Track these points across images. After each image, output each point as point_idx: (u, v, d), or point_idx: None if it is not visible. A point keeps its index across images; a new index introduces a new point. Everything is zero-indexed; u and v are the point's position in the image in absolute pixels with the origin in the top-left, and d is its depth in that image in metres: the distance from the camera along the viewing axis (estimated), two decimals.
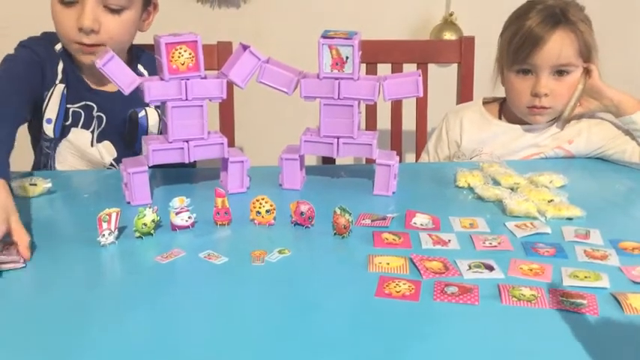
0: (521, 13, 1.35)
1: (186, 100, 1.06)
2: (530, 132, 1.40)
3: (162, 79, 1.05)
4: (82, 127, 1.28)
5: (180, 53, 1.04)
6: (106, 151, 1.29)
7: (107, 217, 0.92)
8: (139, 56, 1.35)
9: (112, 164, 1.30)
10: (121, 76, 1.03)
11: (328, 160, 1.50)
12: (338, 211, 0.96)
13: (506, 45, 1.36)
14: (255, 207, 1.01)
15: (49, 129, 1.27)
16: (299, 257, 0.91)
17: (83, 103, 1.27)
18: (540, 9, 1.32)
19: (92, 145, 1.28)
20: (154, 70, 1.15)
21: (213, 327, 0.75)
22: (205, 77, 1.07)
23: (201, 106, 1.07)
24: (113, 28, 1.20)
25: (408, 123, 1.66)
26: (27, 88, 1.19)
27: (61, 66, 1.26)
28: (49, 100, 1.25)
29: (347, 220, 0.96)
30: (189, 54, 1.04)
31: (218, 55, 1.51)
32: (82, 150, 1.29)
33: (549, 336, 0.73)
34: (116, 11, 1.20)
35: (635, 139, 1.31)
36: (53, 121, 1.26)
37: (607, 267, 0.88)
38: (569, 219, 1.05)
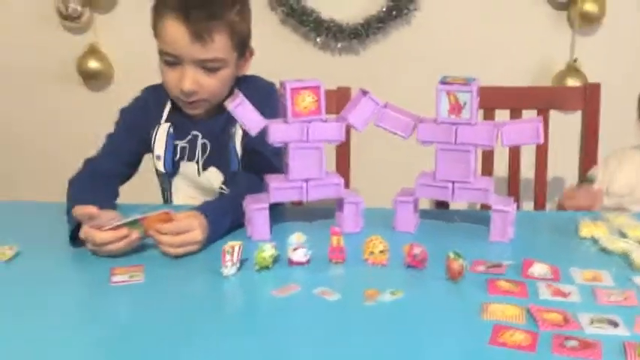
0: None
1: (307, 142, 1.11)
2: None
3: (285, 122, 1.11)
4: (187, 160, 1.37)
5: (303, 98, 1.10)
6: (213, 177, 1.37)
7: (231, 249, 0.97)
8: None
9: (221, 187, 1.37)
10: (249, 119, 1.11)
11: (442, 205, 1.49)
12: (452, 256, 0.96)
13: None
14: (369, 247, 1.03)
15: (159, 164, 1.39)
16: (411, 299, 0.91)
17: (190, 135, 1.37)
18: None
19: (199, 175, 1.37)
20: (254, 94, 1.21)
21: None
22: (326, 121, 1.12)
23: (320, 148, 1.12)
24: (212, 87, 1.28)
25: (527, 170, 1.62)
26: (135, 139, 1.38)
27: (167, 107, 1.38)
28: (155, 138, 1.37)
29: (460, 265, 0.95)
30: (312, 98, 1.10)
31: (337, 100, 1.56)
32: (193, 180, 1.39)
33: None
34: (213, 71, 1.26)
35: None
36: (162, 157, 1.37)
37: None
38: None
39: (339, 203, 1.19)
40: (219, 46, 1.24)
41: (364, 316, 0.87)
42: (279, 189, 1.13)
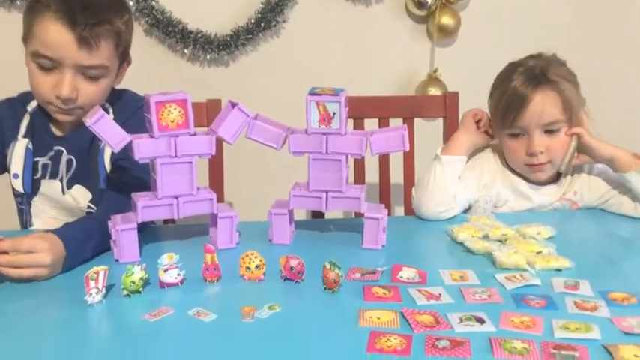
0: (504, 76, 1.38)
1: (176, 157, 1.07)
2: (536, 187, 1.41)
3: (151, 137, 1.06)
4: (50, 178, 1.28)
5: (169, 111, 1.05)
6: (80, 195, 1.29)
7: (95, 275, 0.91)
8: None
9: (89, 206, 1.29)
10: (110, 135, 1.04)
11: (317, 215, 1.50)
12: (328, 266, 0.96)
13: (495, 109, 1.39)
14: (244, 262, 1.00)
15: (17, 184, 1.28)
16: (289, 312, 0.90)
17: (53, 152, 1.27)
18: (522, 71, 1.35)
19: (64, 193, 1.28)
20: (124, 107, 1.22)
21: None
22: (195, 134, 1.09)
23: (191, 162, 1.08)
24: (91, 95, 1.21)
25: (396, 176, 1.68)
26: None
27: (26, 121, 1.28)
28: (11, 155, 1.27)
29: (337, 275, 0.96)
30: (179, 112, 1.06)
31: (207, 113, 1.53)
32: (56, 200, 1.29)
33: None
34: (94, 79, 1.20)
35: (629, 194, 1.33)
36: (20, 176, 1.27)
37: (597, 318, 0.88)
38: (558, 270, 1.06)
39: (212, 219, 1.16)
40: (105, 53, 1.19)
41: (242, 334, 0.84)
42: (148, 207, 1.08)
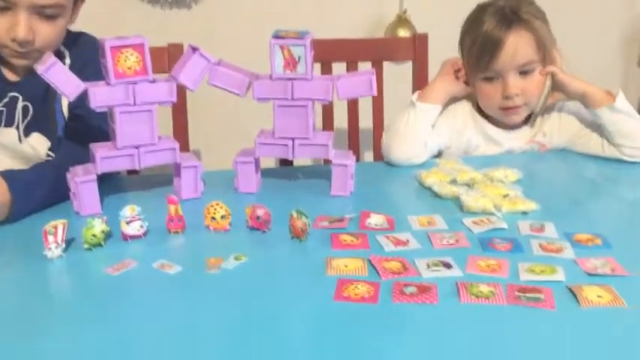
0: (474, 18, 1.35)
1: (135, 104, 1.03)
2: (506, 131, 1.40)
3: (108, 84, 1.01)
4: (5, 127, 1.22)
5: (126, 57, 1.00)
6: (38, 144, 1.23)
7: (53, 229, 0.88)
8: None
9: (48, 154, 1.24)
10: (64, 83, 0.99)
11: (285, 162, 1.48)
12: (295, 215, 0.95)
13: (467, 53, 1.36)
14: (209, 213, 0.98)
15: None
16: (256, 263, 0.89)
17: (7, 98, 1.22)
18: (492, 12, 1.31)
19: (21, 142, 1.23)
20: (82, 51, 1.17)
21: (167, 340, 0.72)
22: (154, 81, 1.04)
23: (151, 110, 1.04)
24: (48, 36, 1.14)
25: (365, 121, 1.65)
26: None
27: None
28: None
29: (304, 223, 0.94)
30: (136, 57, 1.01)
31: (169, 58, 1.47)
32: (13, 148, 1.24)
33: (507, 332, 0.73)
34: (51, 18, 1.14)
35: (598, 132, 1.33)
36: None
37: (562, 260, 0.89)
38: (525, 213, 1.06)
39: (176, 169, 1.12)
40: None
41: (208, 286, 0.83)
42: (107, 158, 1.04)
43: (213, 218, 0.98)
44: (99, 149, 1.04)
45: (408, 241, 0.95)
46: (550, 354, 0.69)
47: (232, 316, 0.76)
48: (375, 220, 1.02)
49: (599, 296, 0.79)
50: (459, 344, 0.71)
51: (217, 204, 0.98)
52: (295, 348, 0.70)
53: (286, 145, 1.12)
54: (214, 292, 0.82)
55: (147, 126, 1.05)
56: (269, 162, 1.66)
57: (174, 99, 1.07)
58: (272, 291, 0.82)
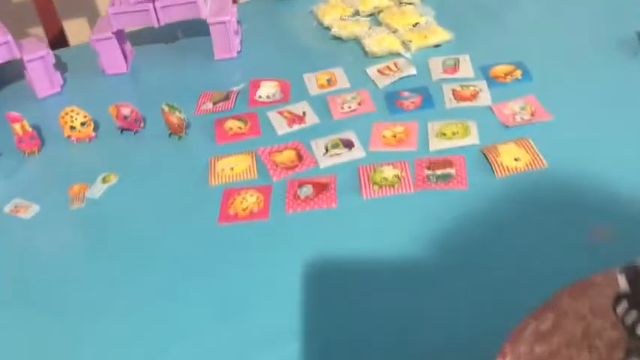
0: None
1: None
2: None
3: None
4: None
5: None
6: None
7: None
8: None
9: None
10: None
11: None
12: (166, 109, 0.79)
13: None
14: (66, 122, 0.82)
15: None
16: (127, 183, 0.75)
17: None
18: None
19: None
20: None
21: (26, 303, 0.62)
22: None
23: None
24: None
25: None
26: None
27: None
28: None
29: (179, 118, 0.79)
30: None
31: None
32: None
33: (418, 223, 0.64)
34: None
35: None
36: None
37: (477, 110, 0.78)
38: (437, 46, 0.92)
39: (22, 62, 0.92)
40: None
41: (71, 229, 0.70)
42: None
43: (73, 127, 0.82)
44: None
45: (304, 114, 0.82)
46: (463, 239, 0.61)
47: (101, 260, 0.65)
48: (267, 90, 0.87)
49: (516, 159, 0.69)
50: (363, 244, 0.62)
51: (72, 110, 0.81)
52: (173, 288, 0.60)
53: (147, 9, 0.92)
54: (79, 235, 0.69)
55: None
56: None
57: None
58: (147, 219, 0.69)
